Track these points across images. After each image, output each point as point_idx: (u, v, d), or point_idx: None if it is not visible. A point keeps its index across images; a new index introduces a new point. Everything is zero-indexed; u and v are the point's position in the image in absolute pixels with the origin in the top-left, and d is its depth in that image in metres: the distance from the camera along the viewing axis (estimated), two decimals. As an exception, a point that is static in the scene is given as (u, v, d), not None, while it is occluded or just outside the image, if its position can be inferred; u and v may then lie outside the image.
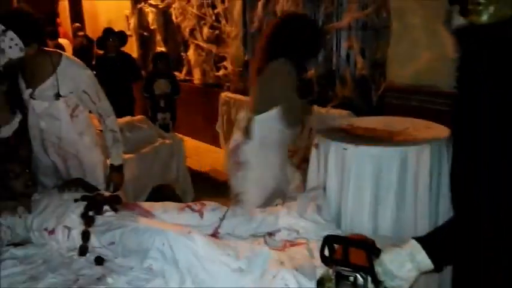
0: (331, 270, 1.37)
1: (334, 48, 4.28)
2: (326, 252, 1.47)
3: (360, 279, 1.31)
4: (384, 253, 1.35)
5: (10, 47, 2.10)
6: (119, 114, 3.84)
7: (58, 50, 2.52)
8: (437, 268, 1.30)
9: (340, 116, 3.69)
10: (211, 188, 4.66)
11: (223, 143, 5.46)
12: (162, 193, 3.94)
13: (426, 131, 2.22)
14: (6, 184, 2.10)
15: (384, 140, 2.13)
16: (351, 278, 1.32)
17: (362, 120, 2.66)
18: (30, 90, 2.35)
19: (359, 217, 2.01)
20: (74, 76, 2.36)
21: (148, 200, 3.39)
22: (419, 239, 1.32)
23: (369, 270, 1.30)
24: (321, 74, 4.33)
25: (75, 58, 2.50)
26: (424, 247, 1.29)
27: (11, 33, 2.09)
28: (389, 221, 1.98)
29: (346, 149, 2.04)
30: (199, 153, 5.76)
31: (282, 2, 4.45)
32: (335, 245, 1.49)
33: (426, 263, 1.27)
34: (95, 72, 3.08)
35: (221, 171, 5.15)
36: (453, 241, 1.33)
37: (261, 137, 2.51)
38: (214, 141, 5.80)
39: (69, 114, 2.39)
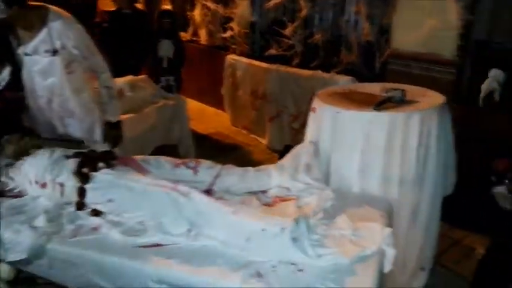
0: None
1: (343, 14, 4.20)
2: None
3: None
4: None
5: None
6: (128, 73, 3.84)
7: (44, 4, 2.35)
8: None
9: (342, 82, 3.70)
10: (215, 150, 4.71)
11: (228, 107, 5.47)
12: (164, 154, 3.99)
13: (421, 98, 2.28)
14: None
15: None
16: None
17: (363, 86, 2.78)
18: (23, 47, 2.31)
19: (348, 176, 2.13)
20: (63, 30, 2.28)
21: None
22: None
23: None
24: (327, 40, 4.28)
25: (64, 11, 2.37)
26: None
27: None
28: (377, 181, 2.09)
29: (338, 113, 2.14)
30: (204, 116, 5.77)
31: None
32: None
33: None
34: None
35: (225, 134, 5.22)
36: None
37: None
38: (219, 104, 5.75)
39: (64, 70, 2.35)
